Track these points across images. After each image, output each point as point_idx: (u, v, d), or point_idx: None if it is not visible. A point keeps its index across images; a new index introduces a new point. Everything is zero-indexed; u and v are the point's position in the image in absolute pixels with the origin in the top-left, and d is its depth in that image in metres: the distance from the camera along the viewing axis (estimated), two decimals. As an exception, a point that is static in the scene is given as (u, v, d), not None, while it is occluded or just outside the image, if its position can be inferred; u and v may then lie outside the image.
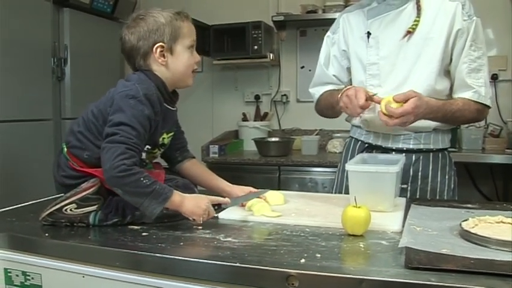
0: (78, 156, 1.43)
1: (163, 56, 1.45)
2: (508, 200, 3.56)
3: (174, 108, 1.55)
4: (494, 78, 3.59)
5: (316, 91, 2.01)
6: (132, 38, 1.45)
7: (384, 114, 1.60)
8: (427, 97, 1.65)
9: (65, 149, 1.45)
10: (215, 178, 1.69)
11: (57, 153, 1.51)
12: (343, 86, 1.95)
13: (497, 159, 3.25)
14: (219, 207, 1.47)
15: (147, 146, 1.46)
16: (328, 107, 1.94)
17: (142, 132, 1.36)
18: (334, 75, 1.96)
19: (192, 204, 1.35)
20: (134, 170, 1.29)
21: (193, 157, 1.73)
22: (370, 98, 1.64)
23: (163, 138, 1.52)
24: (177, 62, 1.47)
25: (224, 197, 1.52)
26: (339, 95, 1.72)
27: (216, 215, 1.44)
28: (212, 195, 1.50)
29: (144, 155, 1.46)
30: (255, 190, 1.65)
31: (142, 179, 1.29)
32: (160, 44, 1.43)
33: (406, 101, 1.58)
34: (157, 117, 1.42)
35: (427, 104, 1.62)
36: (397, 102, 1.58)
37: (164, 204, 1.31)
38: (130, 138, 1.31)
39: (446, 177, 1.86)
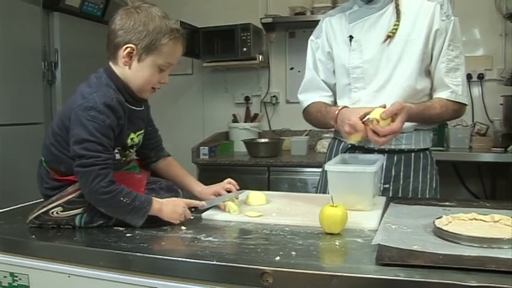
0: (56, 168, 1.45)
1: (130, 57, 1.41)
2: (496, 197, 3.61)
3: (141, 108, 1.54)
4: (480, 77, 3.65)
5: (305, 99, 2.01)
6: (118, 23, 1.41)
7: (373, 132, 1.57)
8: (408, 105, 1.66)
9: (44, 163, 1.48)
10: (188, 179, 1.69)
11: (38, 165, 1.51)
12: (330, 93, 1.99)
13: (484, 157, 3.30)
14: (195, 209, 1.53)
15: (118, 148, 1.46)
16: (321, 123, 1.95)
17: (107, 142, 1.36)
18: (322, 80, 1.98)
19: (169, 209, 1.41)
20: (113, 191, 1.33)
21: (169, 155, 1.72)
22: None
23: (132, 138, 1.51)
24: (139, 72, 1.43)
25: (197, 196, 1.59)
26: (334, 121, 1.73)
27: (192, 217, 1.48)
28: (190, 197, 1.56)
29: (118, 156, 1.48)
30: (225, 186, 1.65)
31: (122, 198, 1.33)
32: (132, 46, 1.40)
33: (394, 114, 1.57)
34: (121, 120, 1.42)
35: (408, 113, 1.62)
36: (384, 119, 1.55)
37: (144, 218, 1.37)
38: (99, 156, 1.33)
39: (428, 176, 1.90)
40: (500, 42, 3.65)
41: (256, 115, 4.16)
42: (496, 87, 3.66)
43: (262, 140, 3.79)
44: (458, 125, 3.55)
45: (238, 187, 1.67)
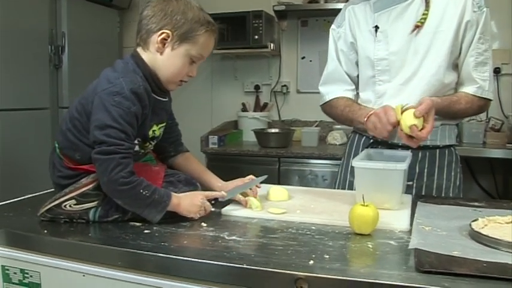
0: (70, 156, 1.38)
1: (164, 44, 1.36)
2: (508, 194, 3.55)
3: (166, 99, 1.48)
4: (496, 71, 3.56)
5: (327, 92, 1.93)
6: (153, 9, 1.37)
7: (408, 137, 1.51)
8: (435, 99, 1.59)
9: (57, 149, 1.41)
10: (207, 174, 1.63)
11: (50, 151, 1.45)
12: (353, 87, 1.91)
13: (498, 153, 3.23)
14: (216, 201, 1.46)
15: (138, 139, 1.40)
16: (345, 119, 1.86)
17: (131, 131, 1.30)
18: (345, 72, 1.90)
19: (187, 202, 1.35)
20: (133, 182, 1.26)
21: (187, 151, 1.66)
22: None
23: (154, 130, 1.45)
24: (170, 60, 1.38)
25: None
26: (366, 118, 1.65)
27: (212, 209, 1.42)
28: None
29: (137, 148, 1.41)
30: (246, 181, 1.59)
31: (141, 190, 1.27)
32: (168, 32, 1.35)
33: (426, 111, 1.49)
34: (146, 110, 1.36)
35: (435, 108, 1.55)
36: (418, 117, 1.48)
37: (163, 212, 1.31)
38: (121, 145, 1.27)
39: (452, 174, 1.83)
40: (517, 35, 3.56)
41: (266, 104, 4.08)
42: (512, 82, 3.57)
43: (273, 130, 3.70)
44: (473, 119, 3.46)
45: (260, 186, 1.60)
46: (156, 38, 1.36)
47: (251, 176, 1.61)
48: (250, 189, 1.55)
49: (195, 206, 1.36)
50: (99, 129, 1.27)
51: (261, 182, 1.62)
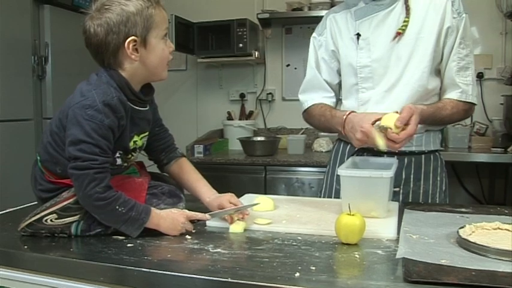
0: (51, 170, 1.36)
1: (137, 50, 1.31)
2: (494, 198, 3.56)
3: (146, 108, 1.44)
4: (479, 76, 3.59)
5: (306, 99, 1.93)
6: (100, 31, 1.29)
7: (390, 140, 1.48)
8: (420, 106, 1.59)
9: (39, 162, 1.38)
10: (200, 186, 1.58)
11: (32, 164, 1.42)
12: (333, 94, 1.91)
13: (483, 157, 3.24)
14: (198, 221, 1.42)
15: (119, 152, 1.38)
16: (324, 127, 1.86)
17: (106, 145, 1.27)
18: (324, 80, 1.90)
19: (167, 224, 1.32)
20: (109, 198, 1.24)
21: (182, 156, 1.63)
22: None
23: (135, 141, 1.42)
24: (151, 55, 1.34)
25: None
26: (342, 127, 1.63)
27: (193, 230, 1.37)
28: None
29: (119, 161, 1.39)
30: (232, 200, 1.49)
31: (117, 207, 1.25)
32: (133, 37, 1.29)
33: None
34: (123, 121, 1.32)
35: (420, 115, 1.54)
36: (398, 127, 1.45)
37: (140, 230, 1.29)
38: (95, 160, 1.24)
39: (438, 179, 1.84)
40: (500, 40, 3.60)
41: (251, 112, 4.08)
42: (495, 87, 3.61)
43: (259, 139, 3.69)
44: (458, 124, 3.48)
45: (248, 213, 1.48)
46: (126, 52, 1.31)
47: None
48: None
49: (175, 230, 1.32)
50: (73, 145, 1.25)
51: (241, 195, 1.59)
